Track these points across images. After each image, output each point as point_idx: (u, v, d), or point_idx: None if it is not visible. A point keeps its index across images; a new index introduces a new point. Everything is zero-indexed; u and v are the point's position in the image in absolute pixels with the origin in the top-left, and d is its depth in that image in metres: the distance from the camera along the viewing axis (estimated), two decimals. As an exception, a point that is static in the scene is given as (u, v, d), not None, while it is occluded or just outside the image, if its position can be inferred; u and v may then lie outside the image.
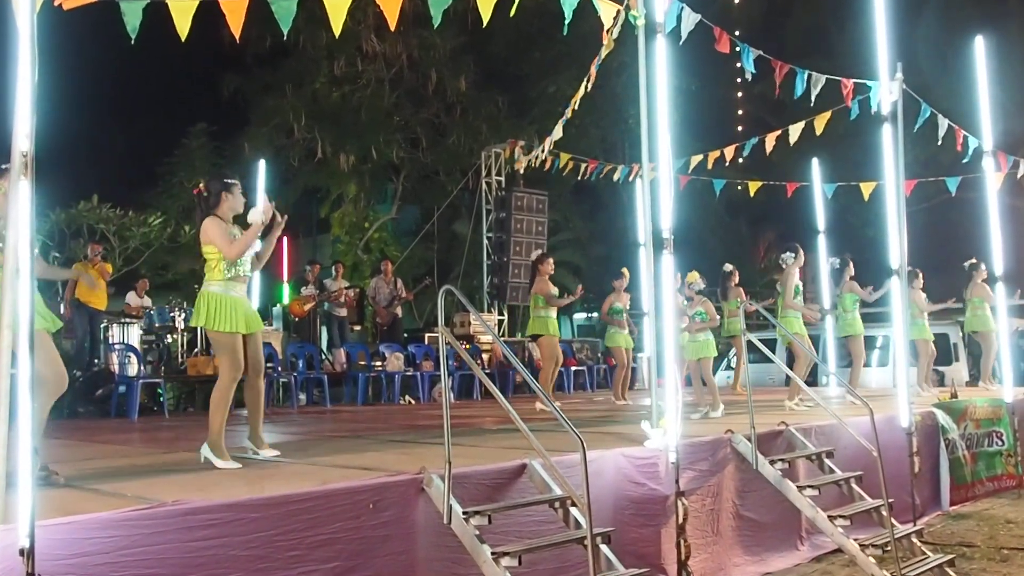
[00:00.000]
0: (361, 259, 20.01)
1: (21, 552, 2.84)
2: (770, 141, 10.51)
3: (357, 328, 14.64)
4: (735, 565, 5.60)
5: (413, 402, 11.65)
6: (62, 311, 10.62)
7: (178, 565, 3.25)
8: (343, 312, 13.02)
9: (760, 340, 6.58)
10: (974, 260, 10.99)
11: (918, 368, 10.79)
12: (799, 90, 8.01)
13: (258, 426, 5.08)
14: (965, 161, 9.77)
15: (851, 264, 9.90)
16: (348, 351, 12.02)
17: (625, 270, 10.38)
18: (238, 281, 4.85)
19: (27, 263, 3.11)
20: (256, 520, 3.48)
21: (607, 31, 6.42)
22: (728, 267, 10.48)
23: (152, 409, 10.25)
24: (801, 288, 8.90)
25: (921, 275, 10.74)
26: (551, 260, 9.81)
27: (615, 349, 10.48)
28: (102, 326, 10.82)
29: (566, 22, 5.87)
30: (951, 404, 8.23)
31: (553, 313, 9.55)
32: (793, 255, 8.87)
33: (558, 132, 9.51)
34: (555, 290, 9.56)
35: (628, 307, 10.34)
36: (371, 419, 8.94)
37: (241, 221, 5.02)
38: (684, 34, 6.35)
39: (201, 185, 4.98)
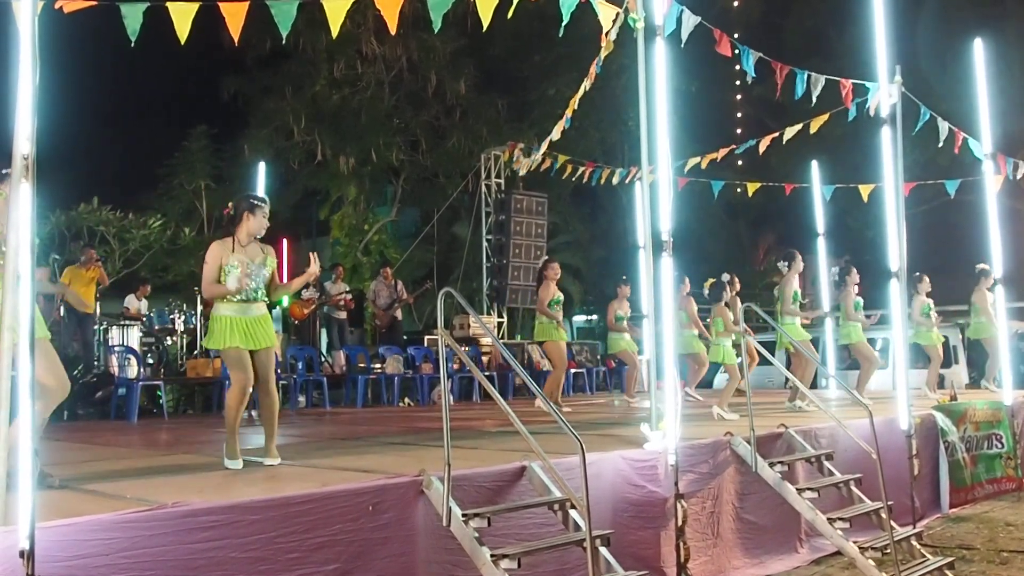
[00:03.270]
0: (361, 261, 20.02)
1: (21, 554, 2.84)
2: (765, 143, 10.52)
3: (356, 330, 14.64)
4: (734, 568, 5.60)
5: (412, 404, 11.65)
6: (54, 314, 10.57)
7: (178, 567, 3.26)
8: (342, 315, 13.03)
9: (760, 343, 6.61)
10: (984, 266, 10.88)
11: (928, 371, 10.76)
12: (799, 91, 8.02)
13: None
14: (964, 163, 9.77)
15: (854, 271, 9.76)
16: (347, 353, 12.01)
17: (625, 278, 10.40)
18: (237, 302, 4.94)
19: (28, 266, 3.12)
20: (256, 522, 3.48)
21: (605, 34, 6.43)
22: (726, 276, 10.35)
23: (152, 411, 10.25)
24: (799, 294, 8.88)
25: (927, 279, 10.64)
26: (555, 265, 9.74)
27: (622, 352, 10.37)
28: (95, 328, 10.78)
29: (563, 24, 5.89)
30: (951, 407, 8.23)
31: (560, 317, 9.43)
32: (789, 262, 8.90)
33: (556, 134, 9.51)
34: (556, 296, 9.48)
35: (628, 314, 10.30)
36: (370, 421, 8.94)
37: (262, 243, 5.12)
38: (684, 36, 6.36)
39: (230, 205, 5.08)
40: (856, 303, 9.39)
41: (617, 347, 10.33)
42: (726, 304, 8.85)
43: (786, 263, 8.94)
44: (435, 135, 20.79)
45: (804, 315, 9.06)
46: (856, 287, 9.36)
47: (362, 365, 11.72)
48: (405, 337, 14.17)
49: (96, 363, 10.56)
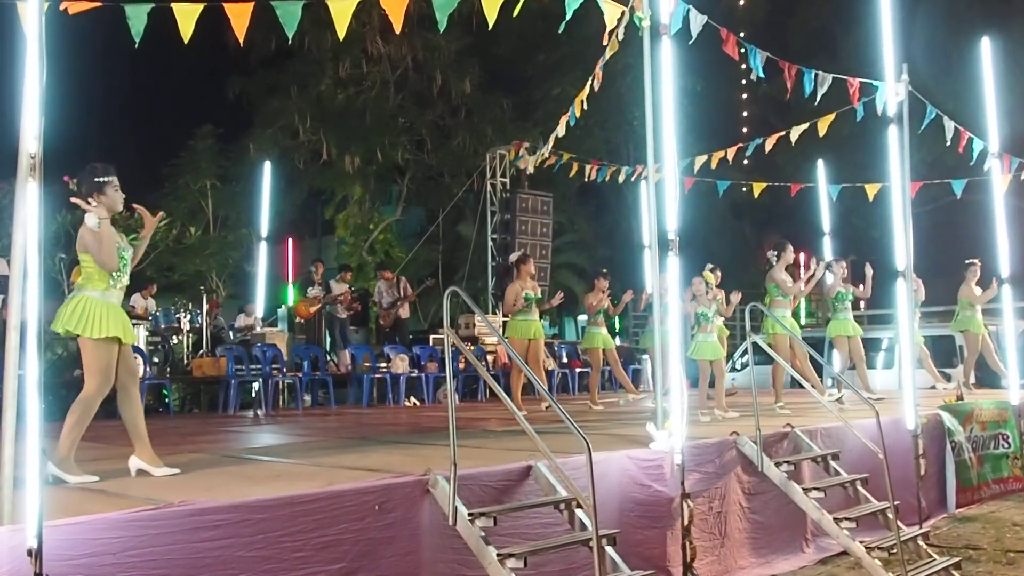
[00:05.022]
0: (366, 261, 20.04)
1: (29, 552, 2.85)
2: (771, 142, 10.50)
3: (358, 329, 14.65)
4: (740, 567, 5.59)
5: (418, 404, 11.66)
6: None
7: (184, 565, 3.27)
8: (344, 314, 13.06)
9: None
10: (971, 261, 10.90)
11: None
12: (807, 89, 8.00)
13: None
14: (971, 163, 9.74)
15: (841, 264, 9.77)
16: (353, 353, 12.02)
17: (605, 272, 10.33)
18: (117, 291, 4.47)
19: (35, 265, 3.13)
20: (262, 521, 3.49)
21: (609, 32, 6.42)
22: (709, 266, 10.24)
23: (157, 410, 10.28)
24: (789, 284, 8.73)
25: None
26: (530, 262, 9.56)
27: (592, 351, 10.07)
28: None
29: (564, 21, 5.89)
30: (957, 406, 8.20)
31: (523, 315, 9.03)
32: (778, 253, 8.82)
33: (561, 130, 9.50)
34: (524, 292, 9.20)
35: (603, 307, 9.94)
36: (376, 421, 8.94)
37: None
38: (694, 35, 6.35)
39: (73, 182, 4.51)
40: (840, 294, 9.45)
41: (589, 343, 10.02)
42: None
43: (775, 253, 8.88)
44: (440, 134, 20.82)
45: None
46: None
47: (367, 364, 11.73)
48: (411, 336, 14.19)
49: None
